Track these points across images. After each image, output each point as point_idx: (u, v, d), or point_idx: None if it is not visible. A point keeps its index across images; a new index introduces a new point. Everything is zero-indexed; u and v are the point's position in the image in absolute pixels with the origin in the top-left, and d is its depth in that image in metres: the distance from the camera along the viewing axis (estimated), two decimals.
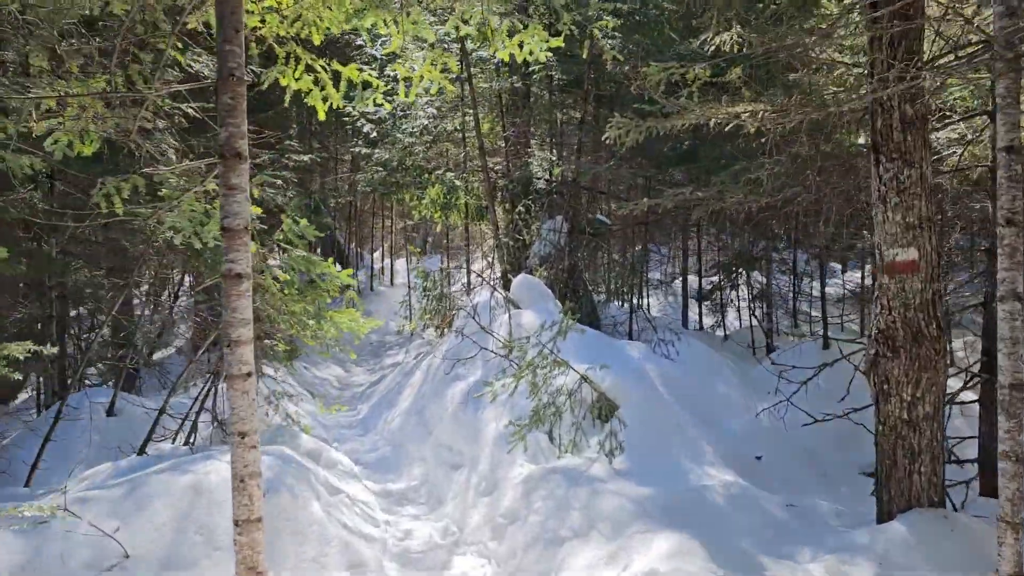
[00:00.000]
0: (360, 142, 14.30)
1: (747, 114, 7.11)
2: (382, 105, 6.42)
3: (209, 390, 7.84)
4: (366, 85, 6.18)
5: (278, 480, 6.12)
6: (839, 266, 20.39)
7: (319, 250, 27.56)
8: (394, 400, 10.98)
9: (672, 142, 12.39)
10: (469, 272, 14.37)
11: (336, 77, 6.11)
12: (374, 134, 12.88)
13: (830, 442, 8.92)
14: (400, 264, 27.74)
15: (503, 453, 7.16)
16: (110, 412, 7.98)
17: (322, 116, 6.14)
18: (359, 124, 12.99)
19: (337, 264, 24.02)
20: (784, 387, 9.68)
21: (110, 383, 9.64)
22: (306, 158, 14.69)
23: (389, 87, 6.29)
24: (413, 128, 12.39)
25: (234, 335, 3.89)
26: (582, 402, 7.38)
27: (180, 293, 13.12)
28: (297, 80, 5.97)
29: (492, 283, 11.67)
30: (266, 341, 8.26)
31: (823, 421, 8.52)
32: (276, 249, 7.49)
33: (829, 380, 9.31)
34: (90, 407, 8.00)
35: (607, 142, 7.25)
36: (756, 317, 12.81)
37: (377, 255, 27.54)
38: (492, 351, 8.52)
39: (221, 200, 4.08)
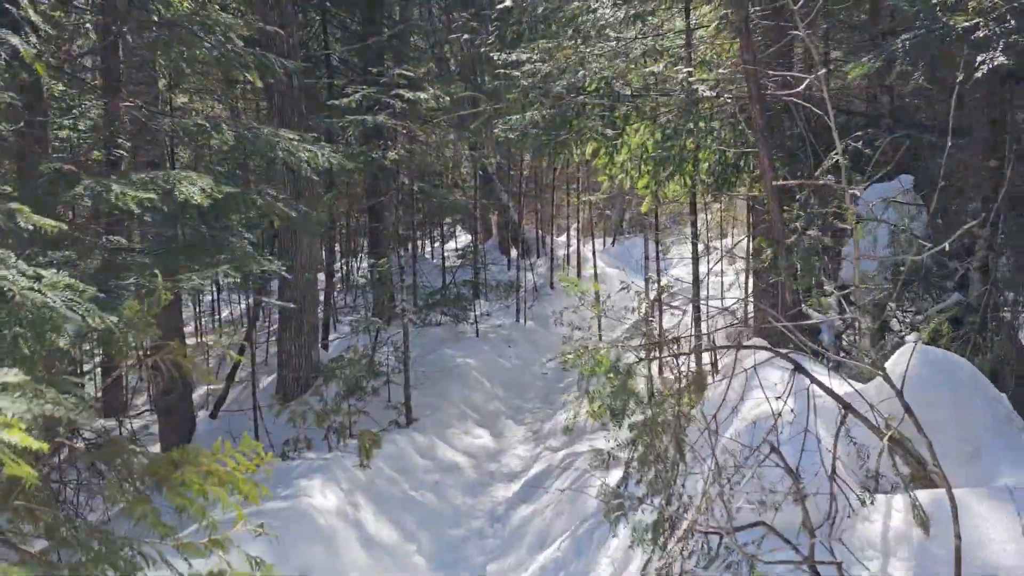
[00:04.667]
0: (491, 40, 7.61)
1: None
2: None
3: None
4: None
5: None
6: None
7: (491, 240, 21.61)
8: None
9: None
10: (696, 294, 7.43)
11: None
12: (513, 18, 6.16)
13: None
14: (591, 249, 21.07)
15: None
16: None
17: None
18: None
19: (513, 251, 17.86)
20: None
21: None
22: (426, 96, 8.44)
23: None
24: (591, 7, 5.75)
25: None
26: None
27: None
28: None
29: (781, 340, 4.72)
30: None
31: None
32: None
33: None
34: None
35: None
36: None
37: (561, 239, 21.06)
38: None
39: None
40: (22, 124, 5.10)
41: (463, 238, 22.95)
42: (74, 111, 7.75)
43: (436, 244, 24.29)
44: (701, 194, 7.76)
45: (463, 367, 10.97)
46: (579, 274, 18.64)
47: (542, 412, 10.53)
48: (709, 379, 4.88)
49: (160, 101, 8.23)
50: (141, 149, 6.59)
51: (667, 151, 7.07)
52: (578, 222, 19.16)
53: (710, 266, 13.10)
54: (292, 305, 7.60)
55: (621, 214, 28.68)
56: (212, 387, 12.48)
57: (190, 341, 18.16)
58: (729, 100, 6.25)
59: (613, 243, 26.50)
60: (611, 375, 3.18)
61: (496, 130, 6.97)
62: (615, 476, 5.88)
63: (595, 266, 12.04)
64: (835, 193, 5.61)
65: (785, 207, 5.38)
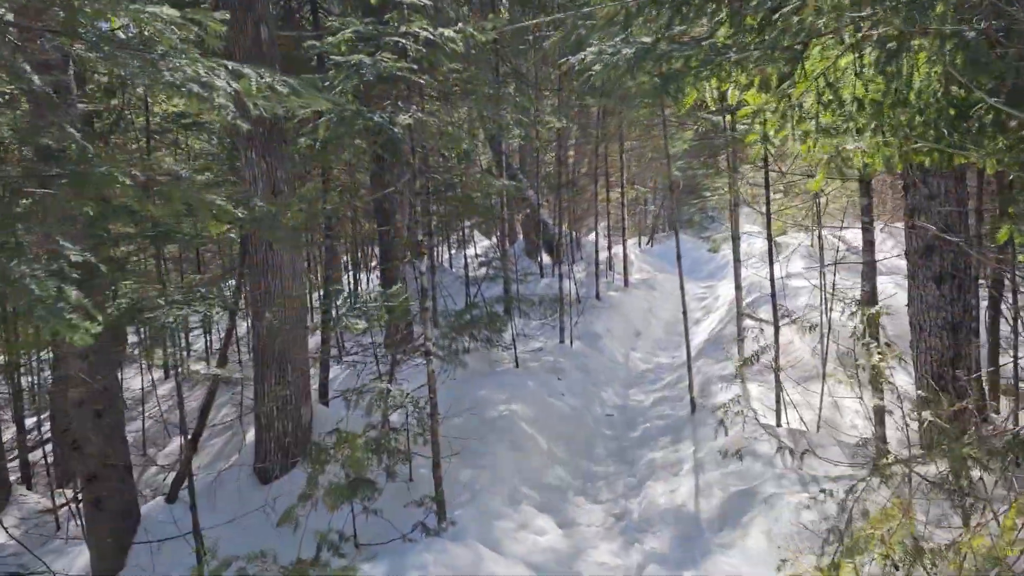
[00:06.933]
0: None
1: None
2: None
3: None
4: None
5: None
6: None
7: (517, 244, 18.62)
8: None
9: None
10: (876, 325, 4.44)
11: None
12: None
13: None
14: (631, 251, 18.07)
15: None
16: None
17: None
18: None
19: (545, 255, 14.74)
20: None
21: None
22: (451, 32, 5.51)
23: None
24: None
25: None
26: None
27: None
28: None
29: None
30: None
31: None
32: None
33: None
34: None
35: None
36: None
37: (590, 239, 17.99)
38: None
39: None
40: None
41: (482, 243, 19.93)
42: None
43: (454, 251, 21.28)
44: (901, 159, 4.76)
45: (507, 418, 7.99)
46: (626, 281, 15.65)
47: (621, 480, 7.50)
48: None
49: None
50: None
51: (876, 87, 4.08)
52: (623, 220, 16.16)
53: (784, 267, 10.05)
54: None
55: (656, 213, 25.67)
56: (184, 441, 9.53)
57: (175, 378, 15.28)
58: None
59: (650, 243, 23.53)
60: None
61: (577, 60, 3.99)
62: None
63: (681, 274, 9.01)
64: None
65: None
